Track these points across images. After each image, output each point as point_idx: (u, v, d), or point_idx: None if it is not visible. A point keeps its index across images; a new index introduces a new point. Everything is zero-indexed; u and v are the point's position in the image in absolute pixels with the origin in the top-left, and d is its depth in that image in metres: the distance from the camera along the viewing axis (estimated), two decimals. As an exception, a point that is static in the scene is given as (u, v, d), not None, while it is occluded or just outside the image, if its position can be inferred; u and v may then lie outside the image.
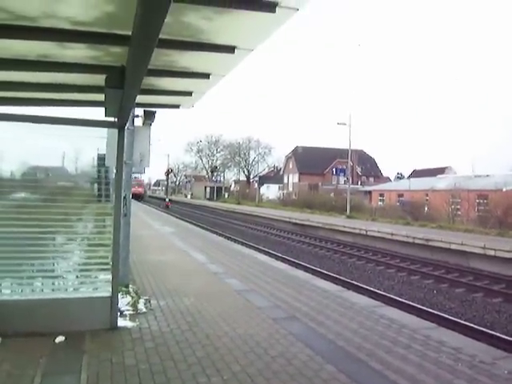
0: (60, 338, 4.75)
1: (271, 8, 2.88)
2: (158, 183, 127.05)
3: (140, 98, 4.81)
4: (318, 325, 5.67)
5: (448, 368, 4.35)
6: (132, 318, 5.68)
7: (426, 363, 4.46)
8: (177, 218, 32.22)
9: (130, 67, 3.43)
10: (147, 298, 6.58)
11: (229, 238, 19.78)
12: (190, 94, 5.44)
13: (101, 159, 6.36)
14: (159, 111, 7.63)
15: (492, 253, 15.08)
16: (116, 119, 5.29)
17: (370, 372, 4.27)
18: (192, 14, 3.04)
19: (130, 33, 3.36)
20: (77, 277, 5.80)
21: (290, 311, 6.29)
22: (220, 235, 20.74)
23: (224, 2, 2.78)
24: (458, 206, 30.23)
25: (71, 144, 5.79)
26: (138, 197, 51.43)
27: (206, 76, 4.60)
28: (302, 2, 2.86)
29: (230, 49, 3.73)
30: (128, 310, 5.87)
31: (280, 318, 5.97)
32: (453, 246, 16.76)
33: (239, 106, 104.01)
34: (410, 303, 9.95)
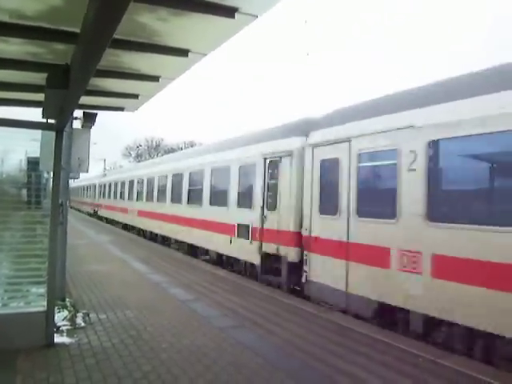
0: (-11, 358, 4.32)
1: (230, 13, 2.86)
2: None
3: (82, 99, 4.56)
4: (268, 332, 5.67)
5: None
6: (70, 333, 5.31)
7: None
8: (105, 222, 30.67)
9: (77, 67, 3.24)
10: (86, 311, 6.19)
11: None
12: (136, 96, 5.24)
13: (32, 163, 5.92)
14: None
15: None
16: (55, 121, 4.97)
17: (318, 376, 4.34)
18: (147, 14, 2.93)
19: (77, 30, 3.17)
20: (5, 291, 5.33)
21: (239, 320, 6.24)
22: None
23: (183, 3, 2.71)
24: None
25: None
26: None
27: (156, 79, 4.46)
28: (262, 9, 2.87)
29: (184, 52, 3.64)
30: (65, 325, 5.48)
31: (227, 326, 5.89)
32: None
33: (181, 109, 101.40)
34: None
